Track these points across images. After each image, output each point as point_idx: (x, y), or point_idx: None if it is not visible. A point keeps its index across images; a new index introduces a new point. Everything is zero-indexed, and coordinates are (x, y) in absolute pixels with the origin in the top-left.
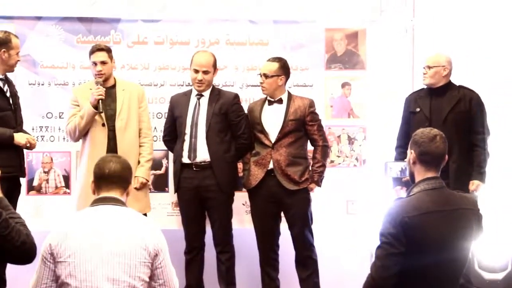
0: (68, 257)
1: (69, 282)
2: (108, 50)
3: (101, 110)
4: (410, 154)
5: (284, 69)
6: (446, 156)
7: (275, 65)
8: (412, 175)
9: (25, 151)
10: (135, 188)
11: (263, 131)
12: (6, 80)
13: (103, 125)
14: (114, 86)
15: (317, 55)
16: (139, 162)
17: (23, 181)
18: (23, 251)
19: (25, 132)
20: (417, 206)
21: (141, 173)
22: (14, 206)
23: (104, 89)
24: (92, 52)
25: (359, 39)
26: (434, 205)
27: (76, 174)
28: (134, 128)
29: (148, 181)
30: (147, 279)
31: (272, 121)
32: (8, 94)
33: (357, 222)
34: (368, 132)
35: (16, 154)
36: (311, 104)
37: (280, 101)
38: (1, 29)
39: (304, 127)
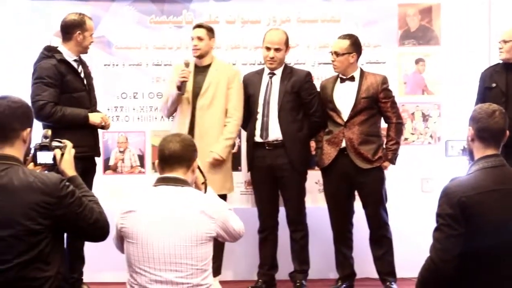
0: (132, 239)
1: (132, 262)
2: (208, 29)
3: (183, 92)
4: (469, 130)
5: (356, 46)
6: (507, 132)
7: (346, 43)
8: (471, 152)
9: (100, 131)
10: (212, 164)
11: (335, 109)
12: (80, 62)
13: (189, 102)
14: (209, 65)
15: (390, 31)
16: None
17: (100, 160)
18: (96, 228)
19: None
20: (474, 185)
21: (216, 148)
22: (90, 185)
23: (190, 71)
24: (192, 28)
25: (433, 14)
26: (493, 183)
27: (151, 153)
28: (219, 107)
29: (222, 158)
30: (212, 239)
31: (344, 99)
32: (82, 75)
33: (432, 200)
34: (442, 108)
35: (91, 135)
36: (384, 80)
37: (352, 78)
38: (77, 11)
39: (377, 104)
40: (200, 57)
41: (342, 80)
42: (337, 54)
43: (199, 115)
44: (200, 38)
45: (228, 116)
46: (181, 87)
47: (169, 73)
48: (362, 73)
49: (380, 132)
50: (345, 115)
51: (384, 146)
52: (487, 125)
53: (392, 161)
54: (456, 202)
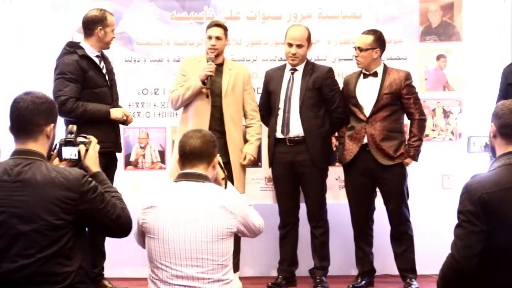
0: (153, 234)
1: (154, 257)
2: (225, 28)
3: (208, 86)
4: (491, 127)
5: (379, 41)
6: None
7: (370, 38)
8: (493, 149)
9: (121, 127)
10: (243, 164)
11: (358, 105)
12: (102, 57)
13: (207, 96)
14: (222, 64)
15: (411, 27)
16: (246, 140)
17: (121, 156)
18: (119, 224)
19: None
20: (496, 182)
21: (250, 150)
22: (111, 181)
23: (215, 66)
24: (209, 26)
25: (455, 9)
26: None
27: (171, 149)
28: (237, 109)
29: (255, 158)
30: (232, 234)
31: (367, 94)
32: (104, 70)
33: (453, 197)
34: (464, 105)
35: (113, 130)
36: (407, 76)
37: (375, 74)
38: (98, 7)
39: (400, 100)
40: (216, 56)
41: (365, 76)
42: (360, 49)
43: (227, 115)
44: (219, 38)
45: (250, 117)
46: (205, 82)
47: (180, 66)
48: (385, 68)
49: (402, 128)
50: (367, 111)
51: (406, 142)
52: (509, 121)
53: (415, 157)
54: (477, 198)
